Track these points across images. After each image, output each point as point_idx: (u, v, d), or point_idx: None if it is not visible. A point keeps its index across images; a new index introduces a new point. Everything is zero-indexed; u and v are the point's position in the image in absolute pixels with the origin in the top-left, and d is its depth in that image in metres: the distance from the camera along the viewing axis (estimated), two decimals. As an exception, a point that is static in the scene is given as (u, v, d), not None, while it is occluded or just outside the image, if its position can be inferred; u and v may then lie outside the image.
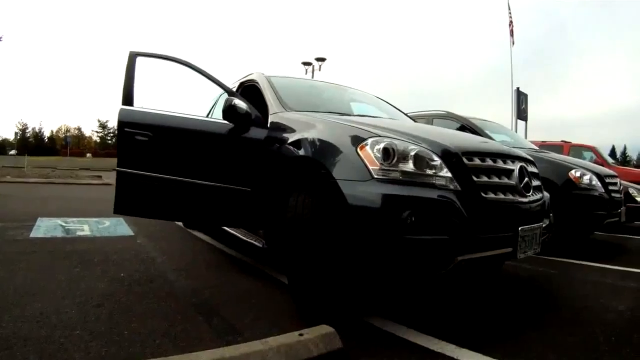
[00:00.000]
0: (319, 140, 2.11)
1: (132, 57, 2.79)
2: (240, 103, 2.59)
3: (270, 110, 2.77)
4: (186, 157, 2.64)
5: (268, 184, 2.45)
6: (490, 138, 4.58)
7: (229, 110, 2.58)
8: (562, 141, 9.55)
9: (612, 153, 66.89)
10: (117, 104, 2.75)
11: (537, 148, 5.22)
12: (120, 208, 2.65)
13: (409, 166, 1.80)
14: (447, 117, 5.32)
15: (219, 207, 2.63)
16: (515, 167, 2.10)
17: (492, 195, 1.91)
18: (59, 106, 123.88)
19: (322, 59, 22.69)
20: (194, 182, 2.57)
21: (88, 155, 59.18)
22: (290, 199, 2.15)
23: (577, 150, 8.83)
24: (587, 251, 4.06)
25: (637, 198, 5.24)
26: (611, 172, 4.39)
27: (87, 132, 77.66)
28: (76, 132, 74.91)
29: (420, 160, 1.82)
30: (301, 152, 2.18)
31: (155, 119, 2.67)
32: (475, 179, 1.88)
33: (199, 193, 2.59)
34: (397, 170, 1.79)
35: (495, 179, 1.98)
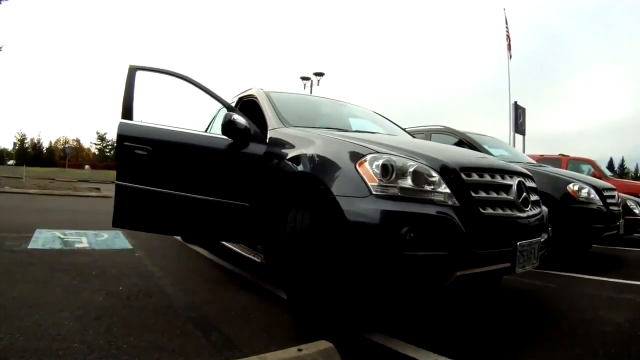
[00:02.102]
0: (318, 156, 2.13)
1: (132, 71, 2.81)
2: (239, 118, 2.61)
3: (269, 126, 2.79)
4: (185, 172, 2.65)
5: (267, 199, 2.45)
6: (488, 153, 4.62)
7: (228, 126, 2.59)
8: (560, 154, 9.61)
9: (610, 165, 67.06)
10: (116, 117, 2.78)
11: (535, 162, 5.26)
12: (119, 221, 2.66)
13: (408, 182, 1.82)
14: (445, 132, 5.38)
15: (218, 222, 2.63)
16: (514, 182, 2.12)
17: (490, 211, 1.93)
18: (57, 117, 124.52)
19: (320, 74, 22.96)
20: (192, 196, 2.58)
21: (86, 167, 59.11)
22: (289, 214, 2.16)
23: (575, 163, 8.89)
24: (585, 264, 4.07)
25: (635, 210, 5.26)
26: (609, 185, 4.42)
27: (85, 144, 77.79)
28: (75, 143, 74.98)
29: (418, 176, 1.84)
30: (300, 167, 2.20)
31: (154, 133, 2.69)
32: (473, 194, 1.90)
33: (197, 208, 2.59)
34: (395, 187, 1.80)
35: (494, 195, 2.00)
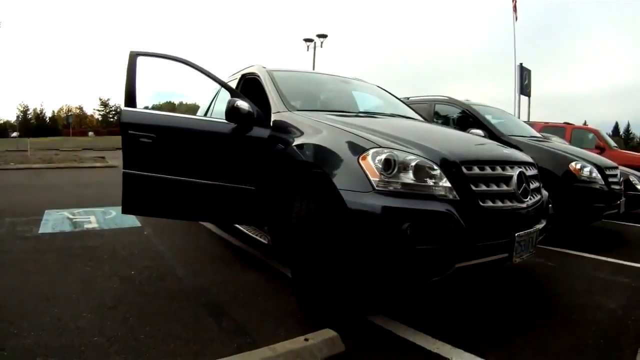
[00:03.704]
0: (322, 147, 2.16)
1: (133, 57, 2.77)
2: (242, 104, 2.60)
3: (273, 109, 2.79)
4: (190, 158, 2.69)
5: (271, 183, 2.52)
6: (493, 127, 4.58)
7: (232, 112, 2.60)
8: (564, 123, 9.53)
9: (616, 130, 65.98)
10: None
11: (539, 135, 5.21)
12: (128, 209, 2.72)
13: (409, 176, 1.86)
14: (449, 103, 5.35)
15: (224, 205, 2.69)
16: (514, 172, 2.14)
17: (489, 204, 1.97)
18: (59, 86, 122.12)
19: (323, 36, 22.58)
20: (198, 182, 2.63)
21: (90, 134, 58.93)
22: (295, 203, 2.22)
23: (579, 132, 8.82)
24: (585, 240, 4.12)
25: (637, 186, 5.25)
26: (611, 163, 4.38)
27: (88, 111, 77.07)
28: (78, 111, 74.33)
29: (420, 170, 1.87)
30: (304, 157, 2.23)
31: (158, 120, 2.70)
32: (473, 188, 1.94)
33: (203, 192, 2.64)
34: (397, 182, 1.84)
35: (494, 187, 2.03)
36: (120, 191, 2.66)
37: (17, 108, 68.05)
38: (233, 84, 3.73)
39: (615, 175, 4.18)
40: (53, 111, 72.57)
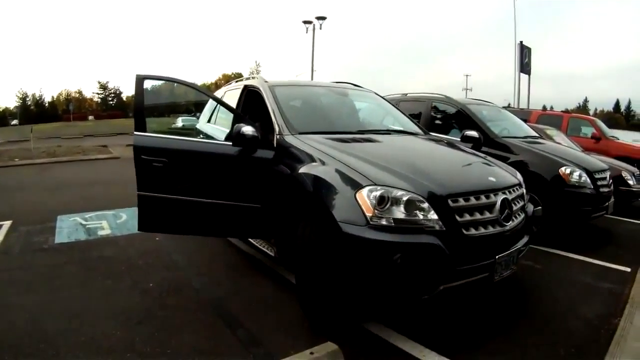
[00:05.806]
0: (323, 180, 2.35)
1: (140, 80, 2.88)
2: (247, 129, 2.76)
3: (276, 130, 2.94)
4: (199, 179, 2.89)
5: (275, 203, 2.73)
6: (487, 128, 4.72)
7: (238, 137, 2.77)
8: (562, 111, 9.69)
9: (617, 107, 65.45)
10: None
11: (534, 134, 5.34)
12: (144, 227, 2.92)
13: (401, 210, 2.08)
14: (446, 102, 5.49)
15: (232, 223, 2.91)
16: (498, 199, 2.33)
17: (473, 232, 2.19)
18: (57, 70, 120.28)
19: (322, 18, 22.59)
20: (207, 201, 2.83)
21: (90, 118, 58.86)
22: (298, 228, 2.47)
23: (575, 121, 8.96)
24: (575, 237, 4.30)
25: (629, 182, 5.40)
26: (601, 166, 4.49)
27: (87, 94, 76.47)
28: (77, 95, 73.75)
29: (410, 205, 2.09)
30: (306, 186, 2.43)
31: (169, 144, 2.87)
32: (458, 218, 2.16)
33: (211, 211, 2.84)
34: (390, 217, 2.06)
35: (477, 215, 2.24)
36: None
37: (16, 95, 67.49)
38: (236, 93, 3.88)
39: (604, 179, 4.32)
40: (52, 96, 71.96)
